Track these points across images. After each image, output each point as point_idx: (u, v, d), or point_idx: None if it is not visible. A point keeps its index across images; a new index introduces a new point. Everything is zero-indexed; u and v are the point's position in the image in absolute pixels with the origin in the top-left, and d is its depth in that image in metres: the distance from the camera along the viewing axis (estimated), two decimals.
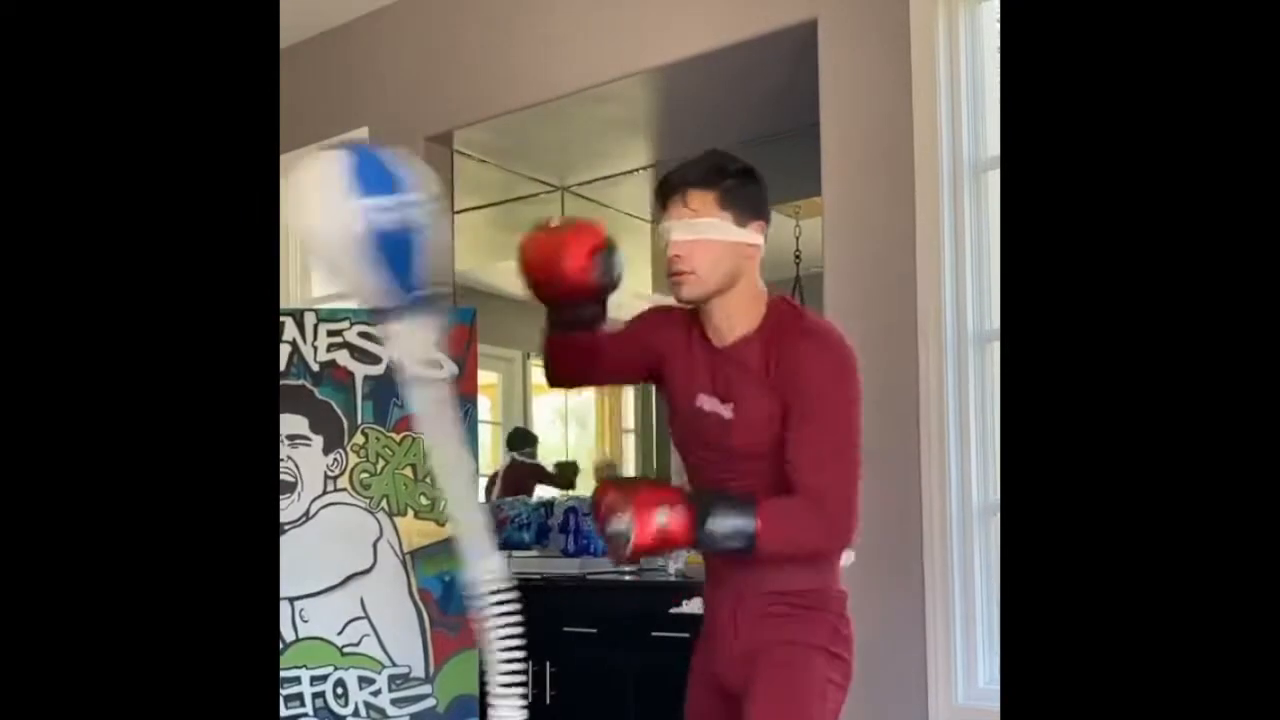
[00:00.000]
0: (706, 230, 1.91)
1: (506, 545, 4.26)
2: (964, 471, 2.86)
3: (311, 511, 3.25)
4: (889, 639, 2.87)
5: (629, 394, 4.74)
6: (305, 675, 3.18)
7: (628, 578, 3.71)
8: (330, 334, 3.31)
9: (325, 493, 3.26)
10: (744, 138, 3.44)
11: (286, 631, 3.17)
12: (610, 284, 1.95)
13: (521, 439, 4.94)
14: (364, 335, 3.32)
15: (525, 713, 1.69)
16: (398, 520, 3.25)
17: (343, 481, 3.26)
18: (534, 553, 4.22)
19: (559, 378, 2.14)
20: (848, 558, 2.01)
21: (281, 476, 3.20)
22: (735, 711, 1.92)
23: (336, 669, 3.19)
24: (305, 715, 3.16)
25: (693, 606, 3.11)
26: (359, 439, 3.27)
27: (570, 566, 3.95)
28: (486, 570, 1.69)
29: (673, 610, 3.21)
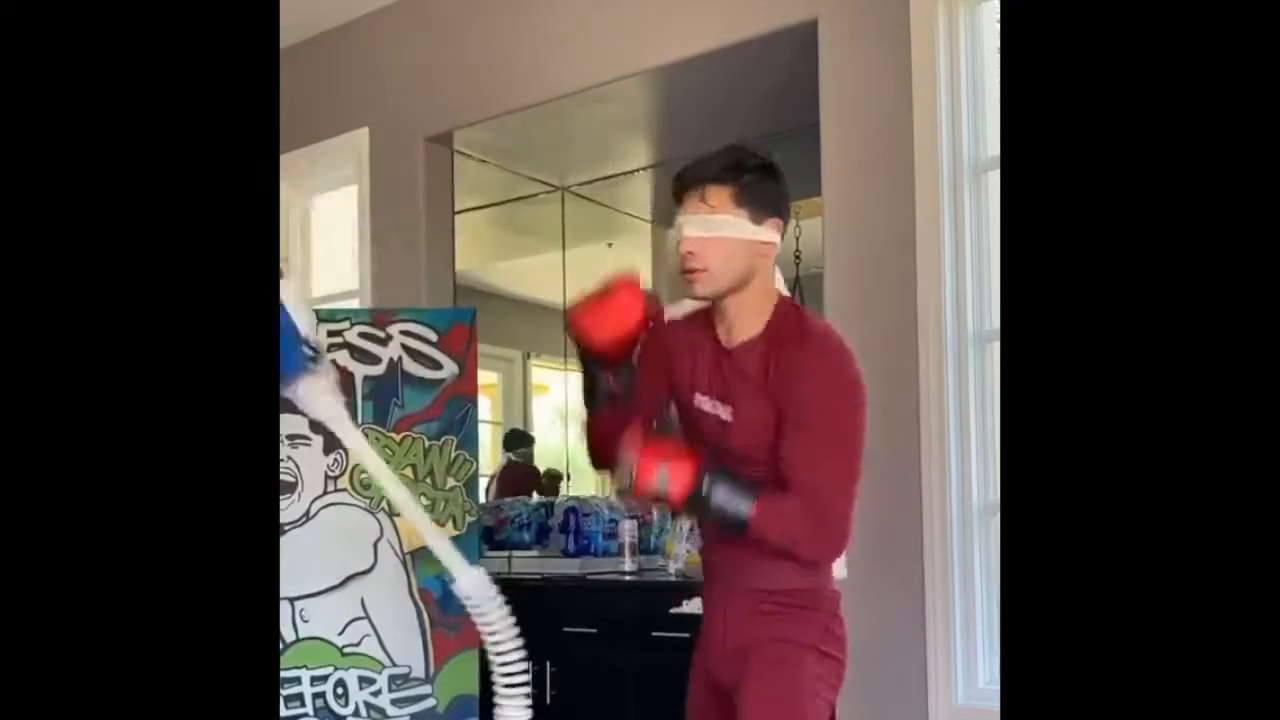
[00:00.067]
0: (720, 227, 1.89)
1: (506, 545, 4.27)
2: (964, 471, 2.86)
3: (312, 511, 3.25)
4: (889, 639, 2.87)
5: None
6: (305, 675, 3.18)
7: (628, 578, 3.71)
8: (330, 334, 3.31)
9: (325, 493, 3.26)
10: (744, 138, 3.43)
11: (287, 631, 3.17)
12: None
13: (518, 440, 4.94)
14: (364, 335, 3.33)
15: (529, 712, 1.70)
16: (398, 520, 3.25)
17: (343, 482, 3.27)
18: (534, 553, 4.22)
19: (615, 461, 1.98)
20: (840, 570, 2.00)
21: (282, 477, 3.20)
22: (730, 708, 1.93)
23: (337, 669, 3.20)
24: (305, 715, 3.16)
25: (693, 606, 3.11)
26: None
27: (570, 566, 3.95)
28: (470, 582, 1.74)
29: (673, 610, 3.21)
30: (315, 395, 1.73)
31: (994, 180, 2.88)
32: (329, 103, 4.31)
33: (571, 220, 4.78)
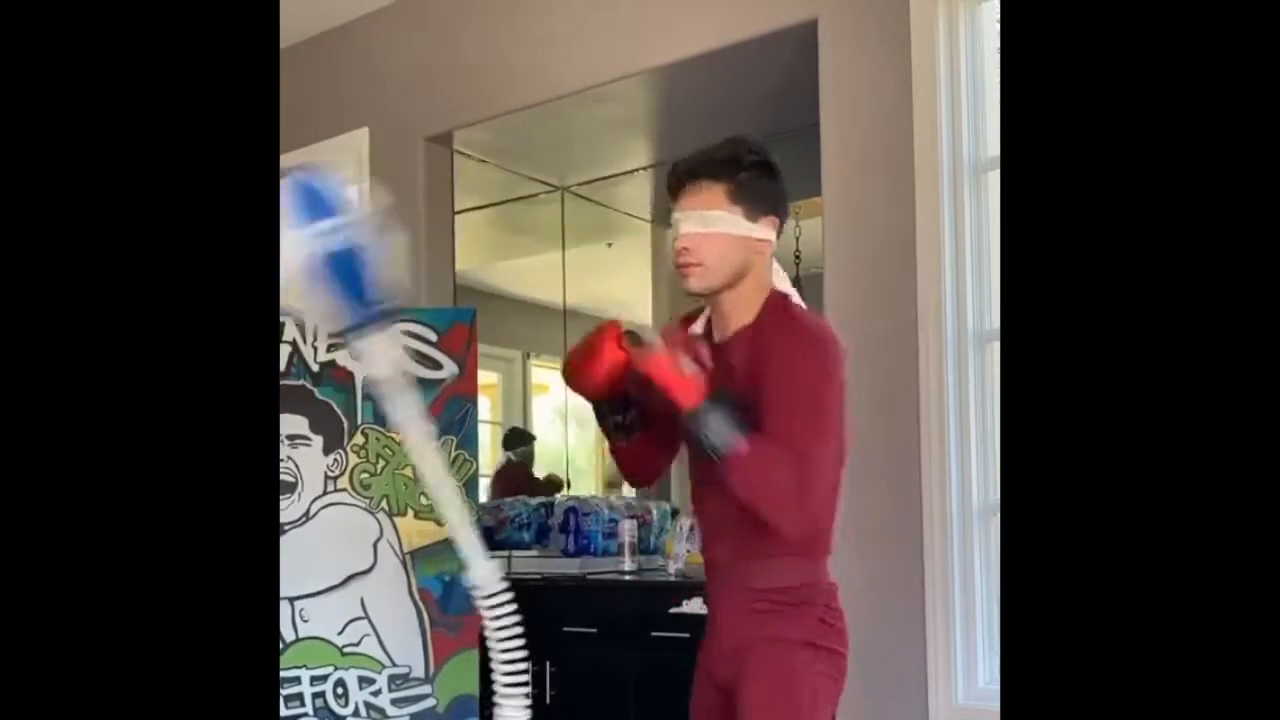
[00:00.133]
0: (716, 223, 1.90)
1: (506, 545, 4.26)
2: (964, 471, 2.86)
3: (311, 511, 3.25)
4: (889, 638, 2.87)
5: None
6: (305, 675, 3.18)
7: (627, 578, 3.71)
8: (330, 334, 3.31)
9: (325, 493, 3.26)
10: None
11: (286, 631, 3.17)
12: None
13: (517, 439, 4.94)
14: None
15: (529, 713, 1.69)
16: (398, 520, 3.25)
17: (343, 482, 3.26)
18: (534, 553, 4.22)
19: (644, 479, 2.33)
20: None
21: (282, 477, 3.20)
22: (731, 706, 1.94)
23: (336, 669, 3.20)
24: (305, 715, 3.16)
25: (693, 606, 3.11)
26: (359, 439, 3.27)
27: (570, 566, 3.95)
28: (484, 573, 1.71)
29: (673, 610, 3.21)
30: (384, 351, 1.62)
31: (994, 180, 2.88)
32: (329, 103, 4.31)
33: (571, 220, 4.78)
